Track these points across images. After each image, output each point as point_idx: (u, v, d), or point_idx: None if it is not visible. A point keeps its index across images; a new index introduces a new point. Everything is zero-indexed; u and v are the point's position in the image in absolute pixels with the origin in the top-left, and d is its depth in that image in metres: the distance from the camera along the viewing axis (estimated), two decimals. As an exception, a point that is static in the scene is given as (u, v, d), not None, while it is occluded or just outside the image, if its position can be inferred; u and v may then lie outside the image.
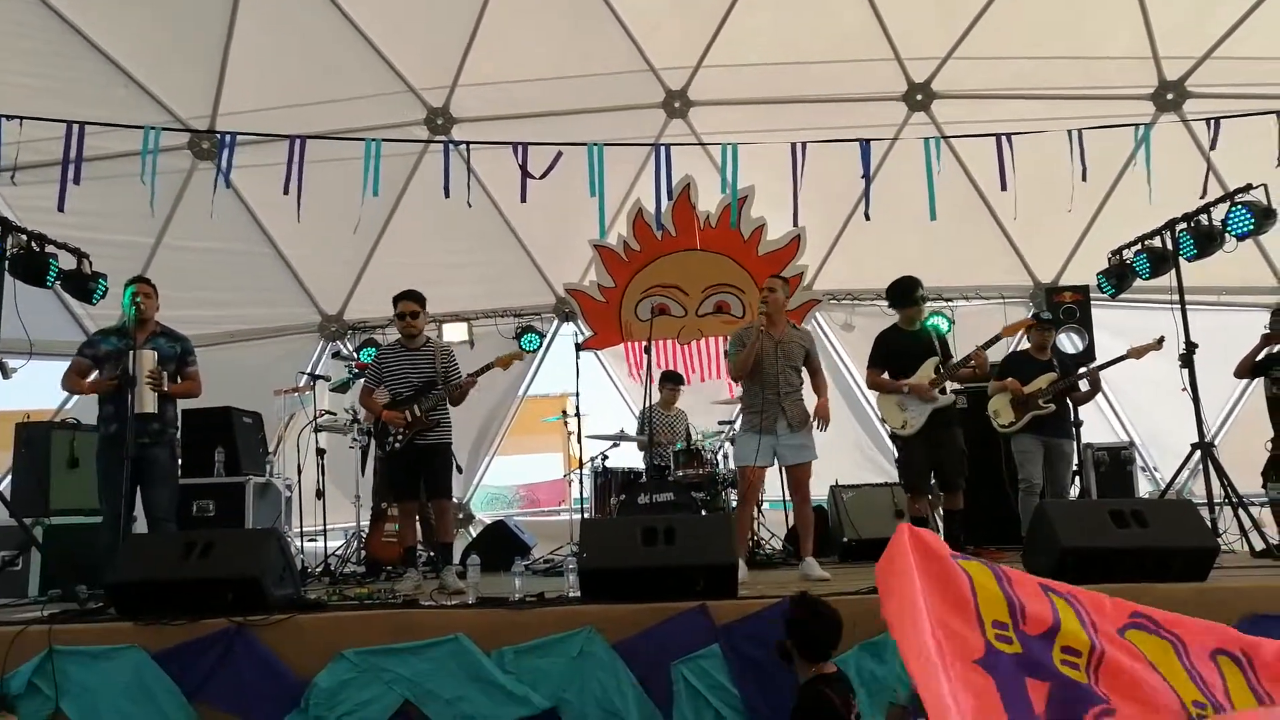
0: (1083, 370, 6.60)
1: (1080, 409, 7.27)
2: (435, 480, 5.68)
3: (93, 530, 5.75)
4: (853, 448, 9.58)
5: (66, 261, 6.56)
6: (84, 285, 6.63)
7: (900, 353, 6.00)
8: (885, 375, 6.03)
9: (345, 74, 8.75)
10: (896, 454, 6.13)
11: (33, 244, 6.15)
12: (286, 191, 6.51)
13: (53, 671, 3.98)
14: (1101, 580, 3.95)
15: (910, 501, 6.02)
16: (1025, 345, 6.92)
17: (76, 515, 6.20)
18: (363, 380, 6.07)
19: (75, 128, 6.52)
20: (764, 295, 5.58)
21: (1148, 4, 8.06)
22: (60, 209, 6.35)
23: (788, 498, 5.66)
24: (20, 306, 5.92)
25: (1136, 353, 6.30)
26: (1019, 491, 6.43)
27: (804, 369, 5.59)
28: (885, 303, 9.33)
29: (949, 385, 6.05)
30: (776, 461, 5.47)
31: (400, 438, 5.57)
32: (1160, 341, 6.28)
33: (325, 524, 7.15)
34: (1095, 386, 6.63)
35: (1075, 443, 6.68)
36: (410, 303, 5.72)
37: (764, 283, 5.74)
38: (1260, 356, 6.53)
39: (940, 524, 6.32)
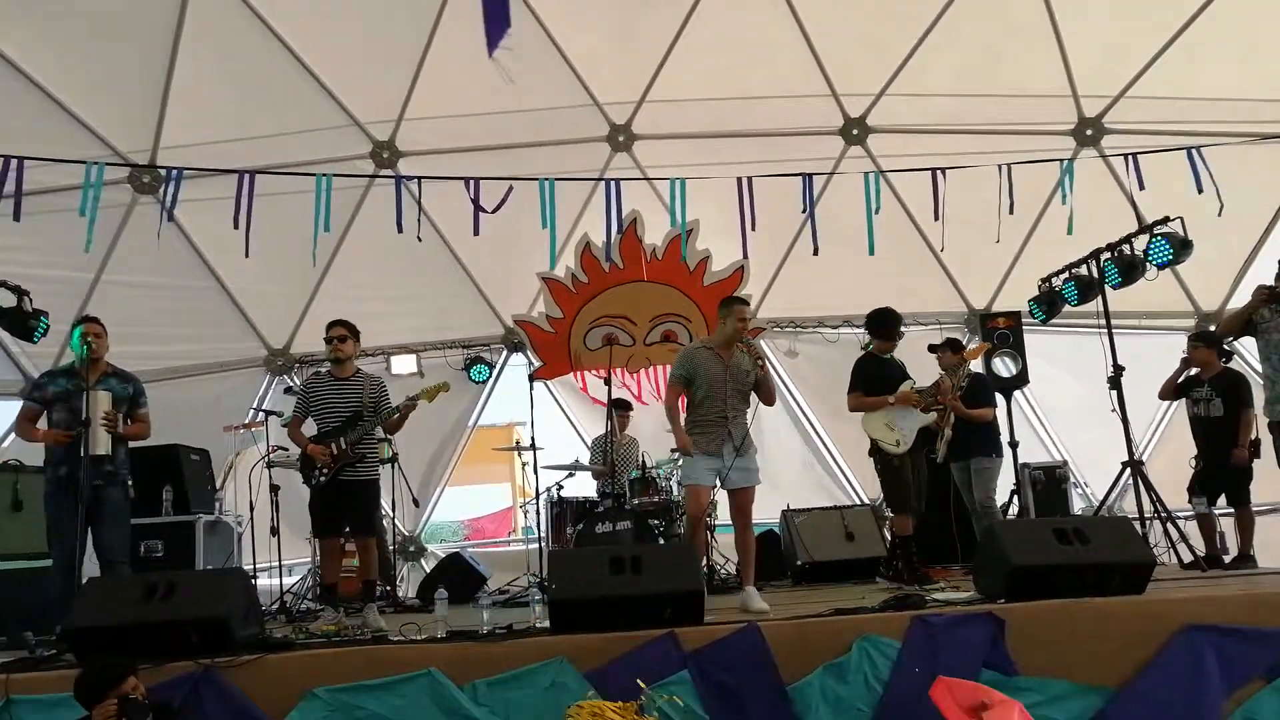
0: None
1: (1015, 429, 7.63)
2: (360, 517, 5.64)
3: (38, 575, 5.61)
4: (801, 472, 9.79)
5: (5, 299, 6.43)
6: (25, 323, 6.49)
7: (879, 378, 6.16)
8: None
9: (288, 108, 8.70)
10: (881, 473, 6.12)
11: (-28, 282, 6.01)
12: (236, 226, 6.48)
13: (10, 722, 3.89)
14: (1048, 596, 4.17)
15: (899, 521, 6.06)
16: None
17: (21, 560, 6.04)
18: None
19: (14, 162, 6.41)
20: (746, 325, 5.41)
21: (1066, 45, 8.48)
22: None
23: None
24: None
25: (972, 354, 6.97)
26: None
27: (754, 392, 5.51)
28: (827, 329, 9.85)
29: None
30: (719, 484, 5.43)
31: (325, 473, 5.49)
32: (982, 345, 7.15)
33: (280, 560, 7.07)
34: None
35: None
36: (340, 328, 5.70)
37: (740, 310, 5.49)
38: (1181, 379, 6.89)
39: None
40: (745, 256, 8.44)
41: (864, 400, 6.14)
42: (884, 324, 6.30)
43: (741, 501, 5.42)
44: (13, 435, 8.08)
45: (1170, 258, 6.95)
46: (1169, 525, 6.22)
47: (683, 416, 5.49)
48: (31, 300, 6.62)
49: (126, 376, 5.47)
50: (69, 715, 3.87)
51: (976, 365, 7.50)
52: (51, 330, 6.87)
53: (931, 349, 7.00)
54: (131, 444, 5.66)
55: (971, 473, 6.79)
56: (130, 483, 5.44)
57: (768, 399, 5.54)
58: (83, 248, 7.18)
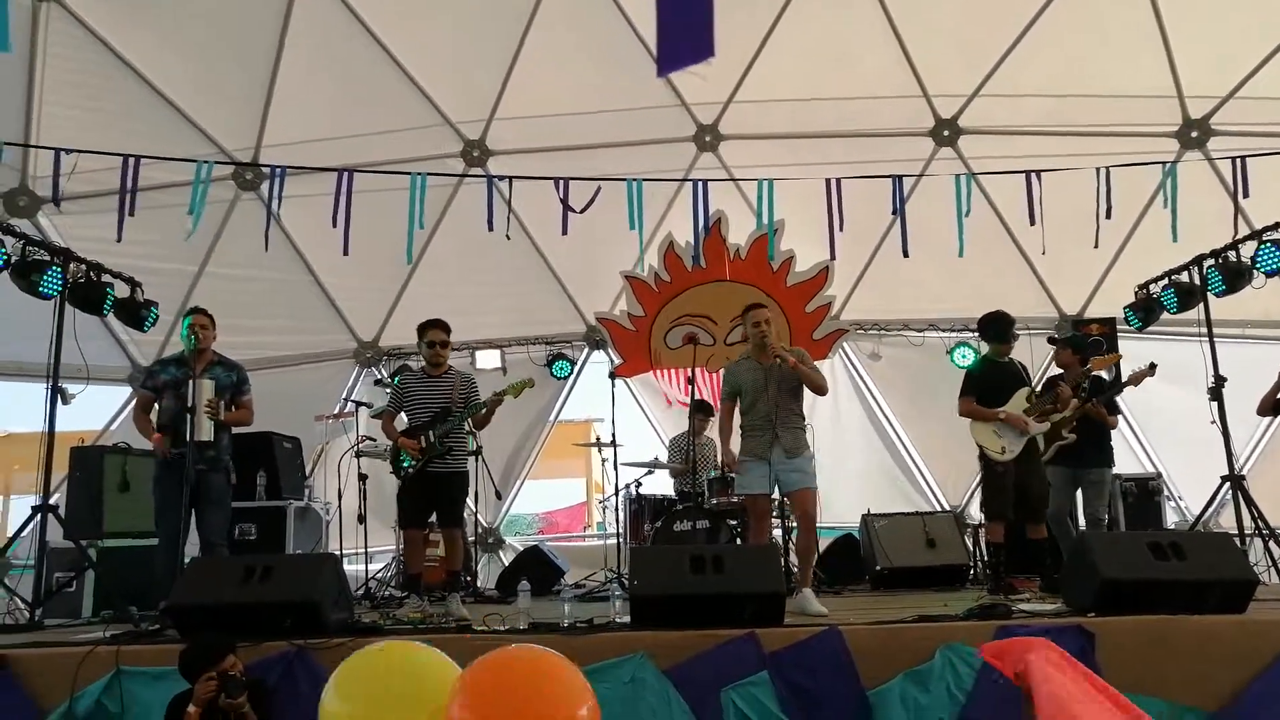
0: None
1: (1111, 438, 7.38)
2: (448, 509, 5.73)
3: (143, 553, 5.90)
4: (882, 477, 9.67)
5: (119, 290, 6.76)
6: (136, 313, 6.83)
7: (993, 383, 6.03)
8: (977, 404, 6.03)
9: (383, 107, 8.93)
10: (983, 478, 6.01)
11: (91, 273, 6.34)
12: (335, 224, 6.67)
13: (120, 691, 4.11)
14: (1140, 611, 4.06)
15: (992, 528, 5.95)
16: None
17: (127, 538, 6.35)
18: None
19: (131, 160, 6.73)
20: (761, 329, 5.50)
21: (1171, 43, 8.18)
22: (119, 239, 6.52)
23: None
24: (68, 332, 6.10)
25: (1135, 379, 6.48)
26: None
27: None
28: (912, 332, 9.70)
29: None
30: (778, 490, 5.49)
31: (414, 465, 5.63)
32: (1153, 368, 6.44)
33: (366, 547, 7.28)
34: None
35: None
36: (439, 331, 5.78)
37: (754, 315, 5.58)
38: (1280, 394, 6.58)
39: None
40: (833, 258, 8.35)
41: (974, 408, 5.99)
42: (997, 327, 6.16)
43: (801, 503, 5.44)
44: (121, 418, 8.59)
45: (1281, 265, 6.65)
46: (1270, 543, 5.97)
47: (736, 436, 5.63)
48: (143, 291, 6.96)
49: (231, 365, 5.72)
50: (174, 687, 4.07)
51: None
52: (159, 319, 7.21)
53: (1051, 341, 6.96)
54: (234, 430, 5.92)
55: (1085, 483, 6.57)
56: (232, 469, 5.68)
57: (812, 386, 5.53)
58: (187, 241, 7.55)
